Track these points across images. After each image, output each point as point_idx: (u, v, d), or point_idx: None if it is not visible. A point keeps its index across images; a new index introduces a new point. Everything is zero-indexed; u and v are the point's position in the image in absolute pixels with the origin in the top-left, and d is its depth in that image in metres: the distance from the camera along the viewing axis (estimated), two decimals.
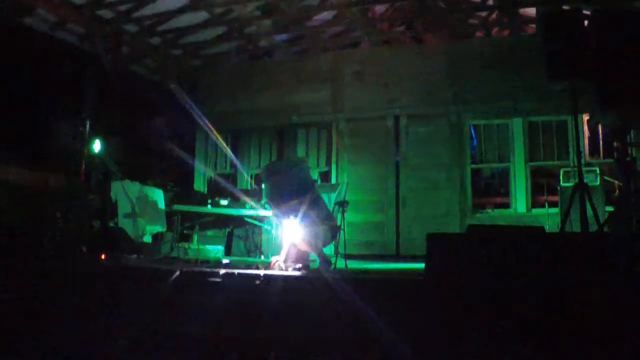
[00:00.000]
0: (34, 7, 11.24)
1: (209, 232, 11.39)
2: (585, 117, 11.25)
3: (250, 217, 10.31)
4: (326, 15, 13.26)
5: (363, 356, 4.92)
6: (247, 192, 11.59)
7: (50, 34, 12.17)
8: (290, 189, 7.86)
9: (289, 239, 7.89)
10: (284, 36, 14.00)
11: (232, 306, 5.84)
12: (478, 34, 14.11)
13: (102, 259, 8.08)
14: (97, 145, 10.24)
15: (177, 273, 6.43)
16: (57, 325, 6.01)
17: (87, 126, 9.68)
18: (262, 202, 9.86)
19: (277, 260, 7.75)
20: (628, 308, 4.19)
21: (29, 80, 10.84)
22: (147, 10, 12.05)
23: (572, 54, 6.36)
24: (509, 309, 4.40)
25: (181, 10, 12.08)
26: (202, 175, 14.54)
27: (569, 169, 10.52)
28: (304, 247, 7.73)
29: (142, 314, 5.93)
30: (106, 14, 12.01)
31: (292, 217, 7.77)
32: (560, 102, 9.93)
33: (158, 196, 10.89)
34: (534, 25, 13.20)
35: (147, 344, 5.61)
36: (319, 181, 13.10)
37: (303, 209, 7.73)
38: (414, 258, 10.07)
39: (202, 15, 12.58)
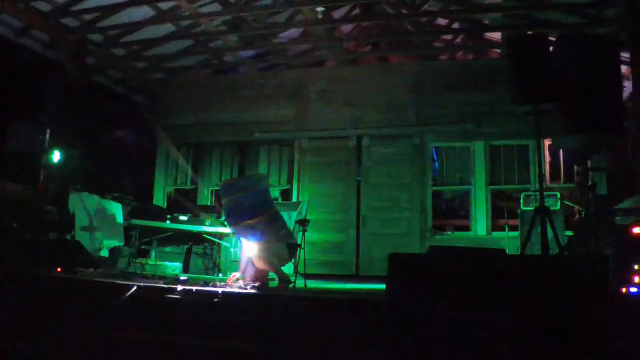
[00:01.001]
0: None
1: (167, 248, 11.27)
2: (547, 142, 11.37)
3: (210, 233, 10.22)
4: (292, 32, 13.25)
5: None
6: (206, 209, 11.50)
7: (14, 39, 11.96)
8: (249, 207, 7.82)
9: (247, 257, 7.83)
10: (249, 52, 13.95)
11: (189, 322, 5.77)
12: (443, 56, 14.20)
13: (57, 271, 7.92)
14: (56, 156, 10.09)
15: (134, 288, 6.33)
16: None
17: (47, 135, 9.54)
18: (222, 218, 9.77)
19: (235, 277, 7.68)
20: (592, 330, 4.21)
21: None
22: (113, 21, 11.92)
23: (537, 78, 6.41)
24: (470, 332, 4.38)
25: (147, 22, 11.97)
26: (161, 189, 14.38)
27: (530, 193, 10.60)
28: (262, 265, 7.67)
29: (95, 325, 5.84)
30: (71, 22, 11.86)
31: (250, 234, 7.72)
32: (522, 126, 10.06)
33: (116, 210, 10.74)
34: (498, 50, 13.37)
35: (98, 351, 5.54)
36: (280, 199, 13.05)
37: (262, 226, 7.69)
38: (373, 278, 10.03)
39: (167, 28, 12.49)
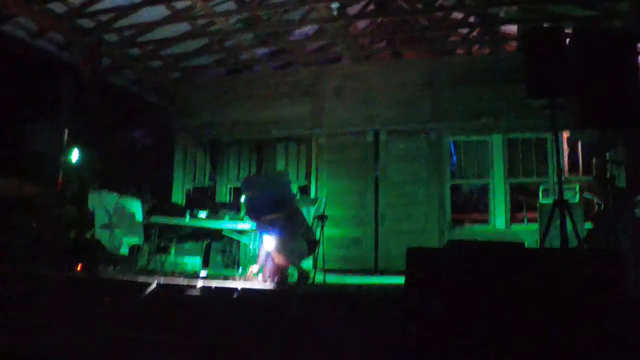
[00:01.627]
0: (14, 15, 11.13)
1: (187, 245, 11.29)
2: (565, 134, 11.32)
3: (229, 230, 10.24)
4: (307, 30, 13.26)
5: None
6: (225, 205, 11.53)
7: (29, 41, 12.03)
8: (269, 203, 7.83)
9: (267, 253, 7.85)
10: (264, 50, 13.97)
11: (209, 318, 5.80)
12: (458, 51, 14.16)
13: (77, 269, 7.98)
14: (74, 155, 10.16)
15: (154, 285, 6.37)
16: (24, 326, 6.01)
17: (65, 135, 9.60)
18: (241, 215, 9.80)
19: (253, 272, 7.71)
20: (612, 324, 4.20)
21: (5, 88, 10.72)
22: (128, 21, 11.95)
23: (553, 71, 6.37)
24: (490, 325, 4.38)
25: (162, 22, 12.01)
26: (180, 187, 14.45)
27: (548, 186, 10.55)
28: (282, 260, 7.68)
29: (116, 322, 5.89)
30: (87, 23, 11.90)
31: (271, 230, 7.74)
32: (539, 119, 9.97)
33: (136, 208, 10.78)
34: (514, 43, 13.31)
35: (120, 349, 5.58)
36: (298, 195, 13.06)
37: (282, 222, 7.70)
38: (392, 273, 10.03)
39: (183, 27, 12.52)
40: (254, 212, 8.01)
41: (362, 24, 13.84)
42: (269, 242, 7.78)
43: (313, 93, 13.65)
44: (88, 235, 10.05)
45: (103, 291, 6.67)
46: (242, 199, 8.16)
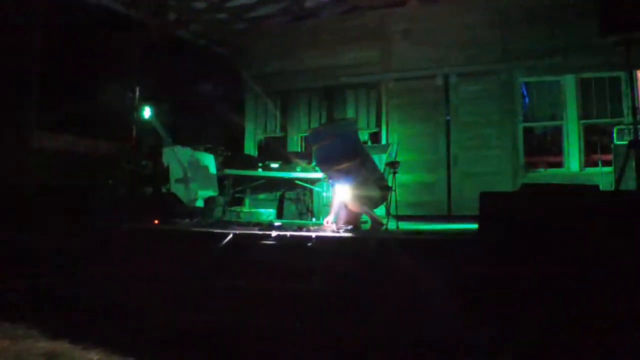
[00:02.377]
0: None
1: (261, 196, 11.42)
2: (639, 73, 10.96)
3: (301, 179, 10.31)
4: None
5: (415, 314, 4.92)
6: (297, 155, 11.58)
7: (96, 2, 12.18)
8: (339, 152, 7.83)
9: (339, 201, 7.88)
10: None
11: (284, 265, 5.89)
12: None
13: (155, 223, 8.17)
14: (147, 112, 10.32)
15: (230, 236, 6.48)
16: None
17: (137, 93, 9.75)
18: (313, 164, 9.84)
19: (328, 221, 7.77)
20: None
21: (76, 49, 10.90)
22: None
23: (627, 5, 6.15)
24: (564, 268, 4.33)
25: None
26: (252, 138, 14.57)
27: (623, 127, 10.24)
28: (355, 208, 7.71)
29: (193, 272, 6.04)
30: None
31: (342, 179, 7.75)
32: (612, 57, 9.65)
33: (209, 161, 10.95)
34: None
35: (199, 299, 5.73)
36: (369, 142, 13.03)
37: (353, 170, 7.70)
38: (465, 218, 9.97)
39: None
40: (325, 163, 8.03)
41: None
42: (342, 191, 7.80)
43: (380, 37, 13.48)
44: (164, 190, 10.26)
45: (180, 243, 6.83)
46: (313, 148, 8.16)
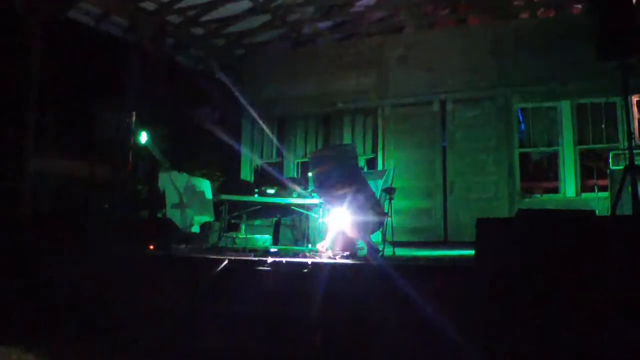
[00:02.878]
0: (79, 0, 11.32)
1: (257, 221, 11.38)
2: (635, 98, 10.99)
3: (297, 205, 10.29)
4: (369, 0, 13.15)
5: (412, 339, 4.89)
6: (293, 180, 11.57)
7: (94, 26, 12.23)
8: (338, 177, 7.83)
9: (336, 227, 7.87)
10: (327, 23, 13.92)
11: (280, 292, 5.87)
12: (523, 15, 13.84)
13: (150, 248, 8.13)
14: (143, 137, 10.33)
15: (226, 262, 6.45)
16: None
17: (134, 117, 9.76)
18: (309, 190, 9.83)
19: (323, 247, 7.74)
20: None
21: (74, 73, 10.94)
22: (191, 1, 12.06)
23: (621, 31, 6.18)
24: (560, 294, 4.31)
25: (224, 0, 12.07)
26: (248, 164, 14.57)
27: (619, 152, 10.25)
28: (351, 234, 7.69)
29: (188, 297, 6.02)
30: (149, 5, 12.05)
31: (339, 204, 7.74)
32: (608, 83, 9.68)
33: (205, 186, 10.94)
34: (579, 5, 12.93)
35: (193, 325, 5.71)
36: (366, 168, 13.03)
37: (350, 196, 7.69)
38: (462, 244, 9.94)
39: (245, 4, 12.57)
40: (323, 188, 8.03)
41: None
42: (338, 217, 7.79)
43: (377, 64, 13.55)
44: (160, 215, 10.24)
45: (176, 269, 6.80)
46: (310, 174, 8.16)
